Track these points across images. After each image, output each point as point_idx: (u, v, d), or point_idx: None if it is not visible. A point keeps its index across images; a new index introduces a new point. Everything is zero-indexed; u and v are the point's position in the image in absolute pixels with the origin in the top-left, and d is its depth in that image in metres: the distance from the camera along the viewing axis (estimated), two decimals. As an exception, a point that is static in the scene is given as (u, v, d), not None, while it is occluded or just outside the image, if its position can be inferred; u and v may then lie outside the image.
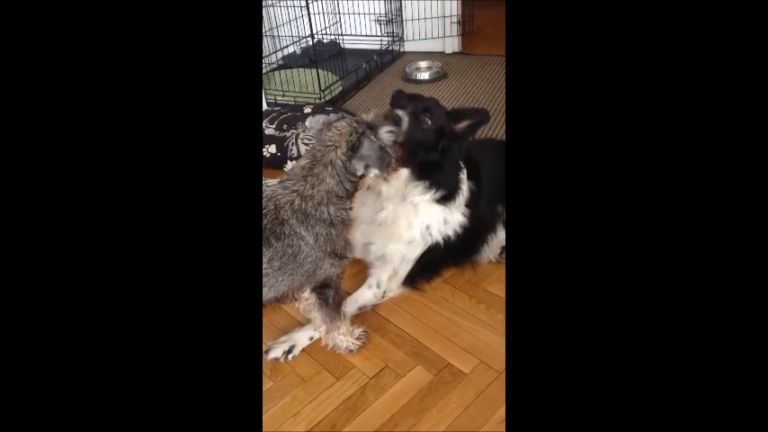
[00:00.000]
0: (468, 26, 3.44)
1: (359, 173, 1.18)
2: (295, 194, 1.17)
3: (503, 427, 1.15)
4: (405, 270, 1.55)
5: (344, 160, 1.16)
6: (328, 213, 1.17)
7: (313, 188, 1.17)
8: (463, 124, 1.46)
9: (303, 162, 1.21)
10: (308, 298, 1.30)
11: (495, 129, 2.47)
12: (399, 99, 1.49)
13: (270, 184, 1.23)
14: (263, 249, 1.14)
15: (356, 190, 1.25)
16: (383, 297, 1.54)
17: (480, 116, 1.48)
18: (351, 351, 1.36)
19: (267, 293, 1.20)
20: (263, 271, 1.15)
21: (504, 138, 2.34)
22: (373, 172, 1.20)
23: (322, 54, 3.15)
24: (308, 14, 2.69)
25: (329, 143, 1.18)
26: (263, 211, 1.17)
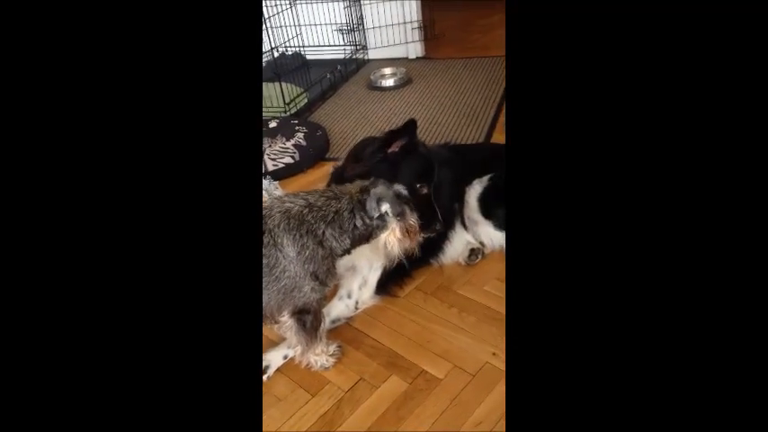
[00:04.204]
0: (429, 31, 3.48)
1: (375, 213, 1.20)
2: (303, 201, 1.20)
3: (478, 429, 1.16)
4: (374, 277, 1.55)
5: (360, 197, 1.20)
6: (323, 231, 1.18)
7: (326, 201, 1.20)
8: (397, 145, 1.46)
9: (329, 187, 1.28)
10: (285, 321, 1.29)
11: (461, 132, 2.49)
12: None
13: (277, 195, 1.26)
14: None
15: (368, 239, 1.25)
16: (356, 308, 1.54)
17: (409, 131, 1.45)
18: (326, 368, 1.35)
19: None
20: None
21: (463, 142, 2.37)
22: (391, 222, 1.22)
23: (286, 67, 3.15)
24: (266, 28, 2.69)
25: (350, 186, 1.26)
26: None
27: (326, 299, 1.54)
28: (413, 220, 1.25)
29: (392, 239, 1.25)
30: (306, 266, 1.19)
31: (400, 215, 1.22)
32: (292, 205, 1.19)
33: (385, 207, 1.21)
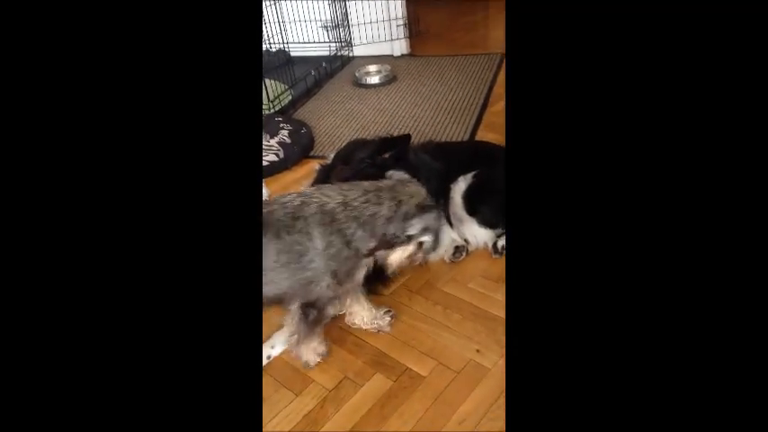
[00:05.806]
0: (414, 28, 3.47)
1: (408, 231, 1.18)
2: (340, 198, 1.17)
3: (462, 427, 1.16)
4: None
5: (409, 211, 1.16)
6: (353, 232, 1.16)
7: (365, 203, 1.16)
8: (388, 154, 1.48)
9: (382, 183, 1.22)
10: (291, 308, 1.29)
11: (446, 129, 2.50)
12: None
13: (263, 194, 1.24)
14: (274, 242, 1.15)
15: (388, 248, 1.23)
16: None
17: (402, 143, 1.49)
18: (310, 367, 1.35)
19: (270, 289, 1.19)
20: (270, 265, 1.16)
21: (448, 139, 2.38)
22: (411, 244, 1.21)
23: (270, 63, 3.12)
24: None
25: (411, 192, 1.19)
26: (285, 204, 1.18)
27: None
28: (422, 253, 1.25)
29: (399, 256, 1.24)
30: (329, 263, 1.19)
31: (421, 245, 1.22)
32: (328, 200, 1.18)
33: (426, 239, 1.20)
